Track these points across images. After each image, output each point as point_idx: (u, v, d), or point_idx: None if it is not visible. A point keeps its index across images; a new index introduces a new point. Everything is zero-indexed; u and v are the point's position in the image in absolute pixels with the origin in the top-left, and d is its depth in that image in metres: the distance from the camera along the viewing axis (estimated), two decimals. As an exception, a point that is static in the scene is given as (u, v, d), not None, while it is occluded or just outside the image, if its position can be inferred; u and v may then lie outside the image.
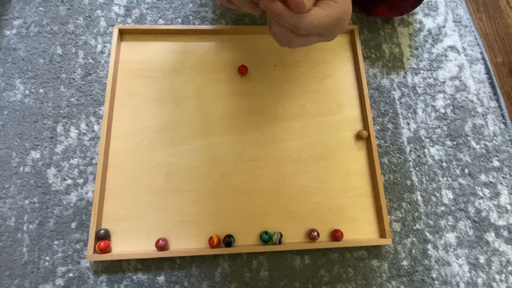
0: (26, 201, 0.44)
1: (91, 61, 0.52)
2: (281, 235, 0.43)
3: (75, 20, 0.54)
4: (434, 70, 0.55)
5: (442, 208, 0.47)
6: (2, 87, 0.49)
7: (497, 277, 0.44)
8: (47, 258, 0.42)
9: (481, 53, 0.57)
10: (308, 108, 0.51)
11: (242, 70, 0.51)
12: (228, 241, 0.42)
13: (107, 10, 0.55)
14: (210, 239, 0.42)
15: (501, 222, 0.47)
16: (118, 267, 0.42)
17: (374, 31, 0.57)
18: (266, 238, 0.42)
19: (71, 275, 0.42)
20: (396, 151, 0.50)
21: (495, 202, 0.48)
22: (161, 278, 0.42)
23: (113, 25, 0.54)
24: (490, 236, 0.46)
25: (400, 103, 0.53)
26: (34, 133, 0.47)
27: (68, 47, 0.52)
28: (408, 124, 0.51)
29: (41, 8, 0.54)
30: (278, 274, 0.43)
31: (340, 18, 0.31)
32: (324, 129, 0.50)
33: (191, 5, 0.56)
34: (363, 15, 0.57)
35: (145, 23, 0.54)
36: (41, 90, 0.50)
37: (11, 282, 0.41)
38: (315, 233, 0.43)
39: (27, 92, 0.49)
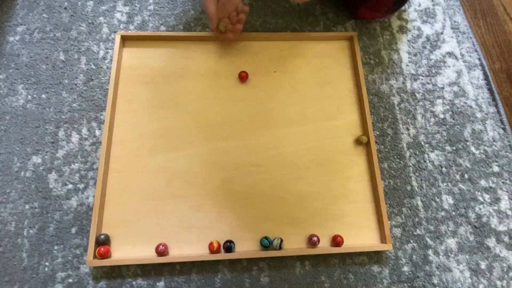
0: (27, 206, 0.44)
1: (93, 67, 0.52)
2: (282, 240, 0.43)
3: (78, 27, 0.55)
4: (433, 76, 0.55)
5: (443, 213, 0.47)
6: (4, 92, 0.50)
7: (498, 283, 0.44)
8: (47, 263, 0.42)
9: (479, 59, 0.57)
10: (308, 113, 0.51)
11: (243, 76, 0.51)
12: (228, 246, 0.42)
13: (109, 17, 0.55)
14: (211, 244, 0.42)
15: (501, 228, 0.47)
16: (117, 273, 0.42)
17: (373, 37, 0.57)
18: (266, 243, 0.42)
19: (70, 280, 0.41)
20: (395, 156, 0.50)
21: (496, 208, 0.48)
22: (160, 284, 0.42)
23: (115, 32, 0.54)
24: (491, 242, 0.46)
25: (399, 108, 0.53)
26: (36, 138, 0.48)
27: (71, 53, 0.53)
28: (408, 129, 0.52)
29: (44, 15, 0.55)
30: (279, 280, 0.43)
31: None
32: (324, 134, 0.50)
33: (192, 12, 0.57)
34: (362, 22, 0.58)
35: (147, 30, 0.55)
36: (43, 96, 0.50)
37: (10, 287, 0.41)
38: (316, 239, 0.43)
39: (29, 97, 0.50)
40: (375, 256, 0.45)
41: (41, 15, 0.55)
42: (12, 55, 0.52)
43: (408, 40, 0.58)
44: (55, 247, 0.43)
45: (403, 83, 0.55)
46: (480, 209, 0.48)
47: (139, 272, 0.42)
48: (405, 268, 0.44)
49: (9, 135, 0.48)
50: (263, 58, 0.54)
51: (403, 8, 0.60)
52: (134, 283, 0.42)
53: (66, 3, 0.56)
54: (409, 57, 0.56)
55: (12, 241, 0.43)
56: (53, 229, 0.43)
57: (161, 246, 0.41)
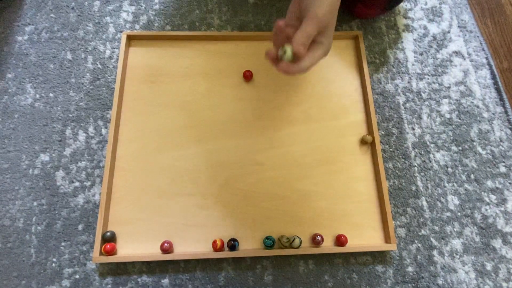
0: (35, 203, 0.45)
1: (99, 66, 0.53)
2: (301, 240, 0.43)
3: (85, 27, 0.55)
4: (439, 75, 0.55)
5: (448, 214, 0.47)
6: (13, 91, 0.51)
7: (504, 284, 0.44)
8: (54, 259, 0.43)
9: (487, 58, 0.56)
10: (313, 113, 0.51)
11: (247, 76, 0.51)
12: (232, 244, 0.42)
13: (115, 17, 0.56)
14: (214, 242, 0.42)
15: (508, 229, 0.47)
16: (123, 270, 0.43)
17: (379, 36, 0.57)
18: (269, 243, 0.42)
19: (77, 276, 0.42)
20: (401, 156, 0.50)
21: (502, 209, 0.48)
22: (165, 281, 0.42)
23: (121, 31, 0.55)
24: (497, 243, 0.46)
25: (404, 108, 0.53)
26: (44, 136, 0.48)
27: (78, 53, 0.53)
28: (413, 129, 0.51)
29: (52, 15, 0.56)
30: (282, 279, 0.43)
31: (328, 48, 0.38)
32: (328, 134, 0.50)
33: (197, 11, 0.57)
34: (367, 21, 0.58)
35: (153, 29, 0.55)
36: (51, 94, 0.51)
37: (18, 283, 0.42)
38: (319, 238, 0.43)
39: (37, 96, 0.51)
40: (379, 256, 0.45)
41: (48, 15, 0.56)
42: (20, 55, 0.53)
43: (414, 39, 0.57)
44: (62, 244, 0.43)
45: (408, 82, 0.54)
46: (486, 210, 0.47)
47: (144, 269, 0.43)
48: (410, 269, 0.44)
49: (17, 133, 0.48)
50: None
51: (409, 6, 0.60)
52: (139, 279, 0.42)
53: (73, 3, 0.57)
54: (415, 56, 0.56)
55: (20, 237, 0.44)
56: (60, 226, 0.44)
57: (166, 244, 0.42)
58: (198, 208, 0.45)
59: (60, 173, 0.47)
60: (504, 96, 0.54)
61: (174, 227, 0.44)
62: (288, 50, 0.34)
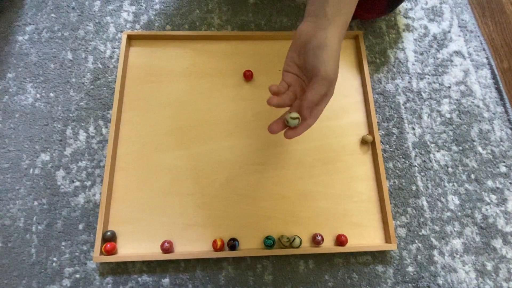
0: (35, 203, 0.45)
1: (100, 66, 0.53)
2: (301, 239, 0.43)
3: (85, 26, 0.55)
4: (440, 75, 0.55)
5: (448, 213, 0.47)
6: (14, 91, 0.51)
7: (504, 284, 0.44)
8: (55, 259, 0.43)
9: (487, 58, 0.56)
10: (313, 112, 0.51)
11: (248, 75, 0.51)
12: (232, 244, 0.42)
13: (116, 17, 0.56)
14: (214, 242, 0.42)
15: (508, 229, 0.47)
16: (123, 269, 0.43)
17: (379, 36, 0.57)
18: (269, 243, 0.42)
19: (77, 276, 0.42)
20: (401, 156, 0.50)
21: (502, 208, 0.48)
22: (165, 281, 0.42)
23: (122, 31, 0.55)
24: (498, 243, 0.46)
25: (405, 108, 0.53)
26: (44, 136, 0.48)
27: (78, 52, 0.53)
28: (413, 129, 0.51)
29: (52, 15, 0.56)
30: (282, 278, 0.43)
31: (331, 97, 0.37)
32: (328, 133, 0.50)
33: (198, 11, 0.57)
34: (367, 21, 0.58)
35: (153, 29, 0.55)
36: (51, 94, 0.51)
37: (19, 282, 0.42)
38: (320, 238, 0.43)
39: (38, 96, 0.51)
40: (379, 256, 0.45)
41: (49, 15, 0.56)
42: (21, 54, 0.53)
43: (415, 39, 0.57)
44: (63, 243, 0.43)
45: (409, 82, 0.54)
46: (486, 209, 0.47)
47: (144, 268, 0.43)
48: (410, 268, 0.44)
49: (18, 133, 0.49)
50: (268, 57, 0.54)
51: (409, 6, 0.60)
52: (139, 279, 0.42)
53: (73, 3, 0.57)
54: (415, 56, 0.56)
55: (21, 237, 0.44)
56: (61, 225, 0.44)
57: (166, 243, 0.42)
58: (198, 207, 0.45)
59: (61, 173, 0.47)
60: (505, 96, 0.54)
61: (174, 227, 0.44)
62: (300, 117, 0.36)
